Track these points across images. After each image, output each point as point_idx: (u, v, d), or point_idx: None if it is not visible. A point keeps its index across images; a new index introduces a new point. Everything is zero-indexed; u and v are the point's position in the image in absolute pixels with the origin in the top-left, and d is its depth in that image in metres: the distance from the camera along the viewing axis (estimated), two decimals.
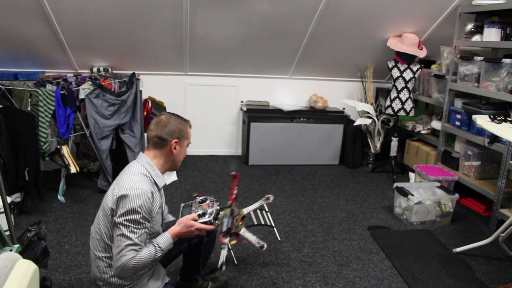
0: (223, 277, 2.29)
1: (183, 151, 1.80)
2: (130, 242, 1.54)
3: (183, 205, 1.89)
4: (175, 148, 1.74)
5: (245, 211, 2.13)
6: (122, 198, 1.56)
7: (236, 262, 2.48)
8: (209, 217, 1.78)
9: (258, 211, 2.34)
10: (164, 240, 1.66)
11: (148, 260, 1.58)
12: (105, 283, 1.66)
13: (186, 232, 1.72)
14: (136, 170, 1.67)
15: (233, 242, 2.03)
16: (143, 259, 1.56)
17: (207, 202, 1.88)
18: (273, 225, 2.53)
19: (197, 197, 1.93)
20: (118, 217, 1.55)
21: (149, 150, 1.75)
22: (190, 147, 1.95)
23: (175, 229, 1.71)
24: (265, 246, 2.03)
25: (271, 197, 2.22)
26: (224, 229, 1.93)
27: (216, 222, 1.82)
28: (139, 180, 1.62)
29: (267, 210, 2.46)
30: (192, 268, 2.14)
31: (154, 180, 1.70)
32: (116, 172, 3.50)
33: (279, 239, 2.48)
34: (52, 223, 2.88)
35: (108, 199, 1.62)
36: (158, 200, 1.71)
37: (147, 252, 1.58)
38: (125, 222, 1.54)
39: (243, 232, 2.04)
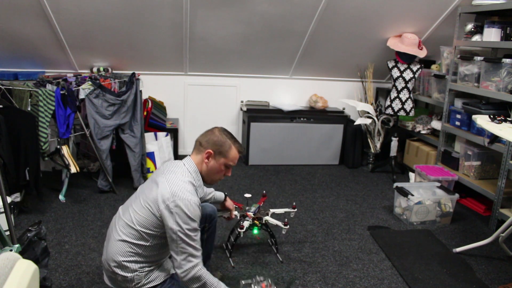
0: (218, 273, 2.33)
1: (216, 166, 1.82)
2: (193, 249, 1.64)
3: (243, 282, 1.96)
4: (207, 158, 1.79)
5: (271, 210, 2.60)
6: (179, 208, 1.62)
7: (233, 265, 2.48)
8: None
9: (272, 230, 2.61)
10: None
11: (208, 283, 1.66)
12: (118, 265, 1.70)
13: None
14: (186, 178, 1.73)
15: (257, 235, 2.61)
16: (205, 276, 1.65)
17: (266, 282, 1.97)
18: (277, 244, 2.62)
19: (257, 276, 2.03)
20: (178, 227, 1.61)
21: (192, 155, 1.85)
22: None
23: None
24: (288, 225, 2.49)
25: (295, 208, 2.68)
26: (250, 211, 2.48)
27: None
28: (191, 190, 1.70)
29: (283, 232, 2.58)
30: None
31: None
32: (116, 172, 3.54)
33: (280, 259, 2.55)
34: (52, 223, 2.88)
35: (154, 195, 1.68)
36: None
37: (211, 278, 1.68)
38: (187, 232, 1.62)
39: (268, 218, 2.52)
